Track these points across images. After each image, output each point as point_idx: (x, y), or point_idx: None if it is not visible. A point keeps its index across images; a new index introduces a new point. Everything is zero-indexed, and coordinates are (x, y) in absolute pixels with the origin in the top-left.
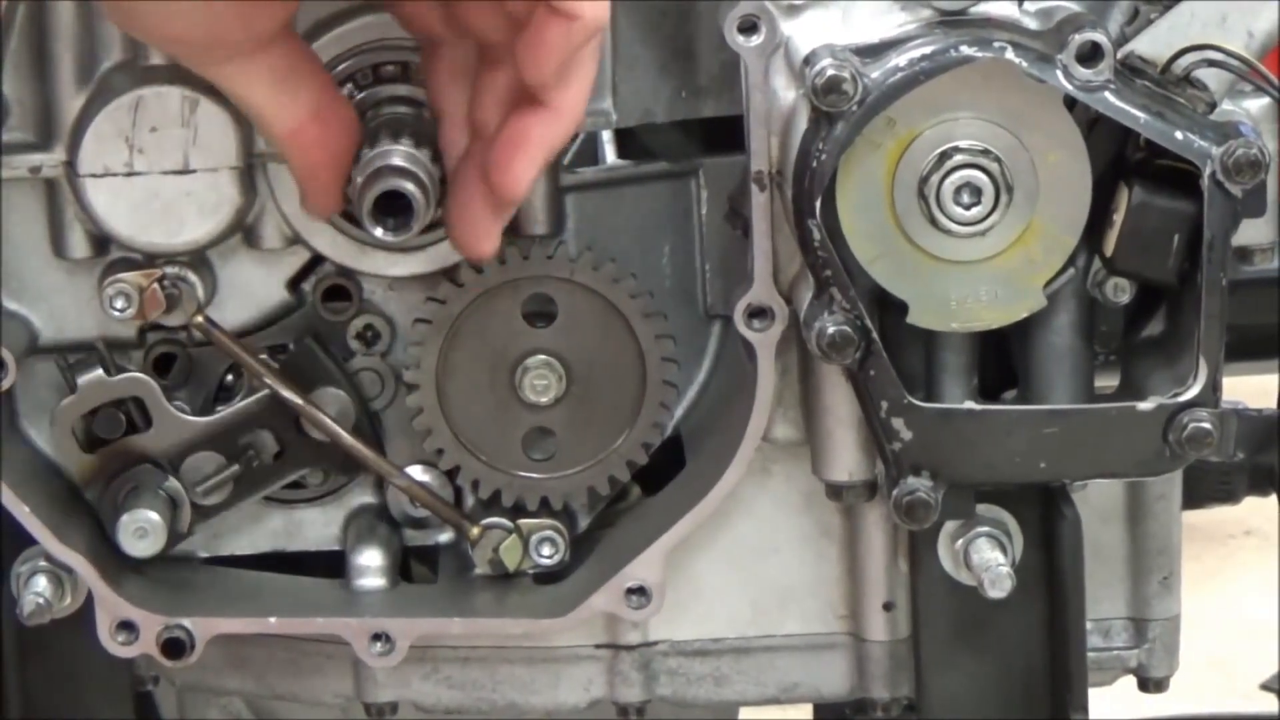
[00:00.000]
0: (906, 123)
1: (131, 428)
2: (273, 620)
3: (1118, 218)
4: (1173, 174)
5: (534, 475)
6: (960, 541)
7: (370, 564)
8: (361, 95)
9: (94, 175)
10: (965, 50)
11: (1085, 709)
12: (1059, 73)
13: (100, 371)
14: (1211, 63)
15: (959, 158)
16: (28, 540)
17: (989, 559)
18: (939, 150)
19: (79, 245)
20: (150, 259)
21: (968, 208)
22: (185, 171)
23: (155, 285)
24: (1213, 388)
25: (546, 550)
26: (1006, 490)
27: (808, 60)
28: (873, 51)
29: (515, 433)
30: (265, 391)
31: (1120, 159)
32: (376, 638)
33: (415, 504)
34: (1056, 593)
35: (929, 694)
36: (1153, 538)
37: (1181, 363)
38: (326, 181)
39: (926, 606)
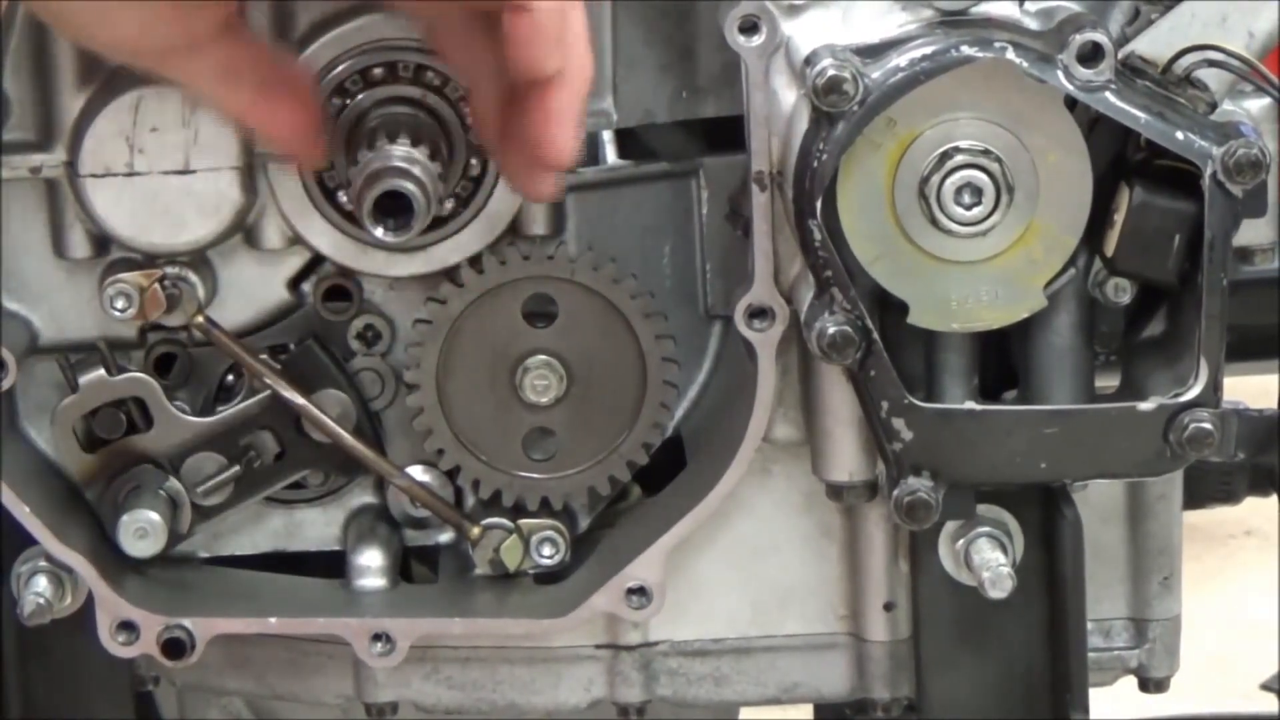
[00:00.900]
0: (907, 123)
1: (132, 428)
2: (273, 620)
3: (1118, 218)
4: (1173, 174)
5: (534, 475)
6: (961, 542)
7: (371, 564)
8: (360, 95)
9: (95, 175)
10: (966, 50)
11: (1086, 709)
12: (1060, 73)
13: (101, 371)
14: (1212, 63)
15: (960, 158)
16: (28, 540)
17: (990, 559)
18: (940, 150)
19: (79, 245)
20: (151, 259)
21: (968, 208)
22: (186, 172)
23: (156, 285)
24: (1213, 388)
25: (547, 550)
26: (1007, 490)
27: (808, 60)
28: (873, 52)
29: (516, 433)
30: (266, 392)
31: (1121, 159)
32: (377, 638)
33: (416, 504)
34: (1057, 593)
35: (929, 694)
36: (1153, 538)
37: (1182, 363)
38: (295, 143)
39: (927, 607)
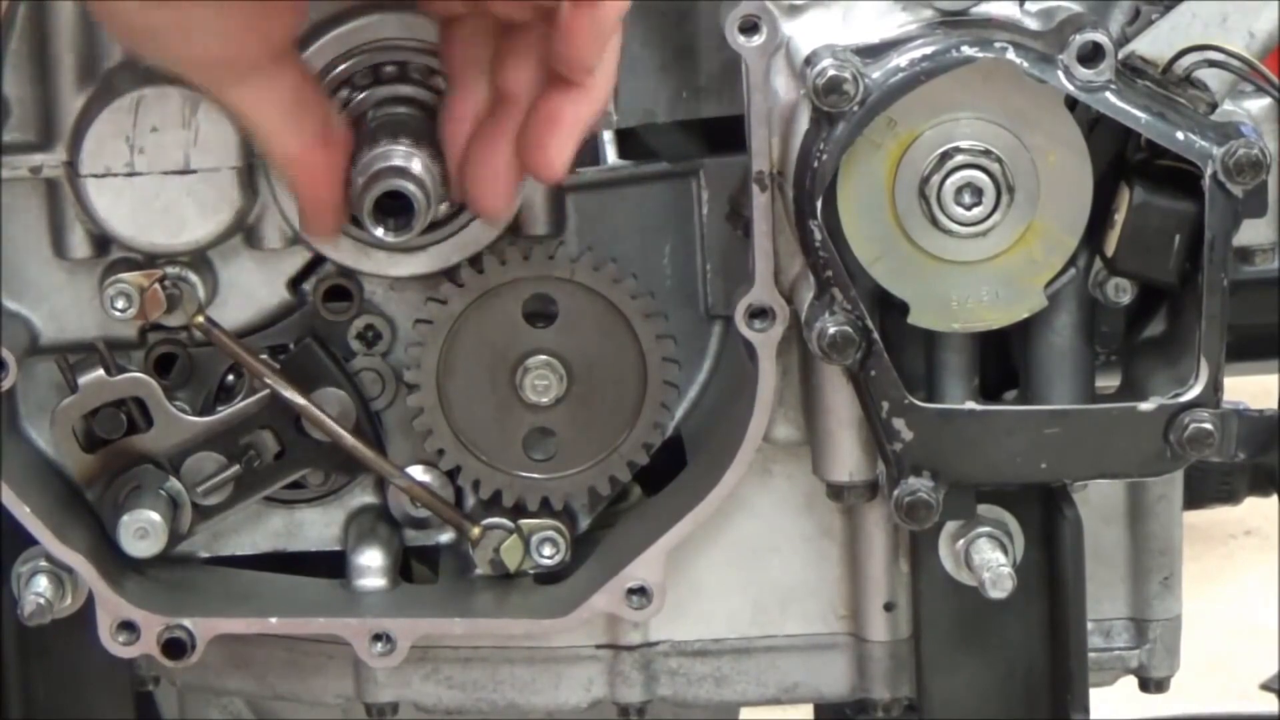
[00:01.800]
0: (907, 123)
1: (132, 428)
2: (273, 620)
3: (1119, 218)
4: (1174, 174)
5: (535, 475)
6: (961, 542)
7: (371, 564)
8: (361, 96)
9: (95, 175)
10: (966, 50)
11: (1086, 709)
12: (1060, 73)
13: (101, 371)
14: (1212, 63)
15: (960, 158)
16: (28, 540)
17: (990, 559)
18: (940, 150)
19: (80, 245)
20: (151, 259)
21: (969, 208)
22: (186, 172)
23: (156, 285)
24: (1214, 388)
25: (547, 550)
26: (1007, 490)
27: (809, 60)
28: (874, 52)
29: (516, 433)
30: (266, 392)
31: (1121, 159)
32: (377, 638)
33: (416, 504)
34: (1057, 593)
35: (930, 694)
36: (1154, 538)
37: (1182, 363)
38: (330, 204)
39: (927, 607)
